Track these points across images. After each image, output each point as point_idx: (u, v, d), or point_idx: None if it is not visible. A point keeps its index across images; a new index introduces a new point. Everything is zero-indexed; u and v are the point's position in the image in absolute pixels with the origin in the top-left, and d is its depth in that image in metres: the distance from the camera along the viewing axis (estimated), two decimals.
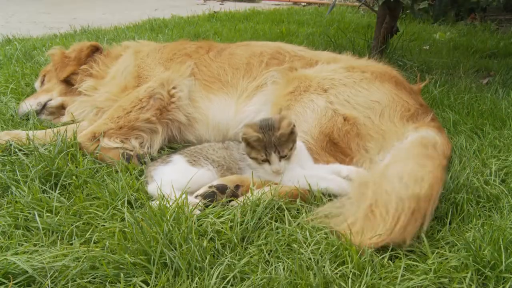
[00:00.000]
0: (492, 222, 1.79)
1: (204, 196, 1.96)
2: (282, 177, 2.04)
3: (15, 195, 1.99)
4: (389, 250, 1.64)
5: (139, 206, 1.97)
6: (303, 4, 10.62)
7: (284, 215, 1.87)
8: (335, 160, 2.19)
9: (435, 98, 3.30)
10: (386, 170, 1.90)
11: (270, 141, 1.98)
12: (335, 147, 2.22)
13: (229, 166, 2.13)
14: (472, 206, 1.94)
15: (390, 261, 1.62)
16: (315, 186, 1.99)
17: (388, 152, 2.13)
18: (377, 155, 2.16)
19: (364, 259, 1.58)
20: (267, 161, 2.02)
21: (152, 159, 2.41)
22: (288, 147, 2.01)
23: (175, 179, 1.99)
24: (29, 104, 2.96)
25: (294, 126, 2.01)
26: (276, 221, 1.86)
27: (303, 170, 2.07)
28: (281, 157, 2.01)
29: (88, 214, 1.89)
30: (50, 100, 3.03)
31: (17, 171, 2.14)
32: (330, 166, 2.13)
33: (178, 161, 2.13)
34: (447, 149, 2.15)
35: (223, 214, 1.86)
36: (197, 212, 1.88)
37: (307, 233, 1.73)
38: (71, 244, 1.72)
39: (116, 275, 1.53)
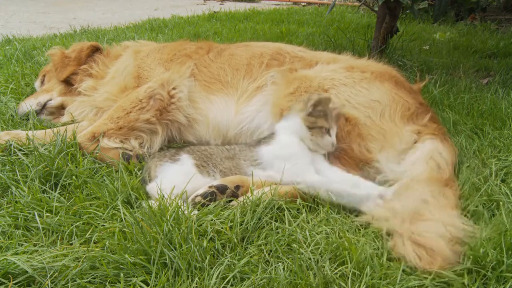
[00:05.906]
0: (493, 222, 1.79)
1: (204, 195, 1.96)
2: (282, 176, 2.03)
3: (15, 195, 1.99)
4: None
5: (139, 206, 1.97)
6: (303, 4, 10.63)
7: (284, 215, 1.87)
8: (335, 160, 2.18)
9: (435, 98, 3.30)
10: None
11: (332, 116, 2.17)
12: (335, 147, 2.21)
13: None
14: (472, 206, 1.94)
15: (390, 261, 1.62)
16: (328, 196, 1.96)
17: (394, 159, 2.14)
18: (379, 154, 2.16)
19: (364, 259, 1.58)
20: (329, 132, 2.14)
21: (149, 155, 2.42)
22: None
23: (178, 183, 1.96)
24: (29, 104, 2.96)
25: None
26: (276, 221, 1.86)
27: (317, 176, 2.04)
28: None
29: (88, 214, 1.89)
30: (50, 100, 3.03)
31: (17, 171, 2.14)
32: (349, 176, 2.05)
33: (186, 161, 2.10)
34: (454, 158, 2.16)
35: (223, 214, 1.86)
36: (196, 211, 1.87)
37: (307, 233, 1.74)
38: (71, 244, 1.72)
39: (116, 275, 1.53)
